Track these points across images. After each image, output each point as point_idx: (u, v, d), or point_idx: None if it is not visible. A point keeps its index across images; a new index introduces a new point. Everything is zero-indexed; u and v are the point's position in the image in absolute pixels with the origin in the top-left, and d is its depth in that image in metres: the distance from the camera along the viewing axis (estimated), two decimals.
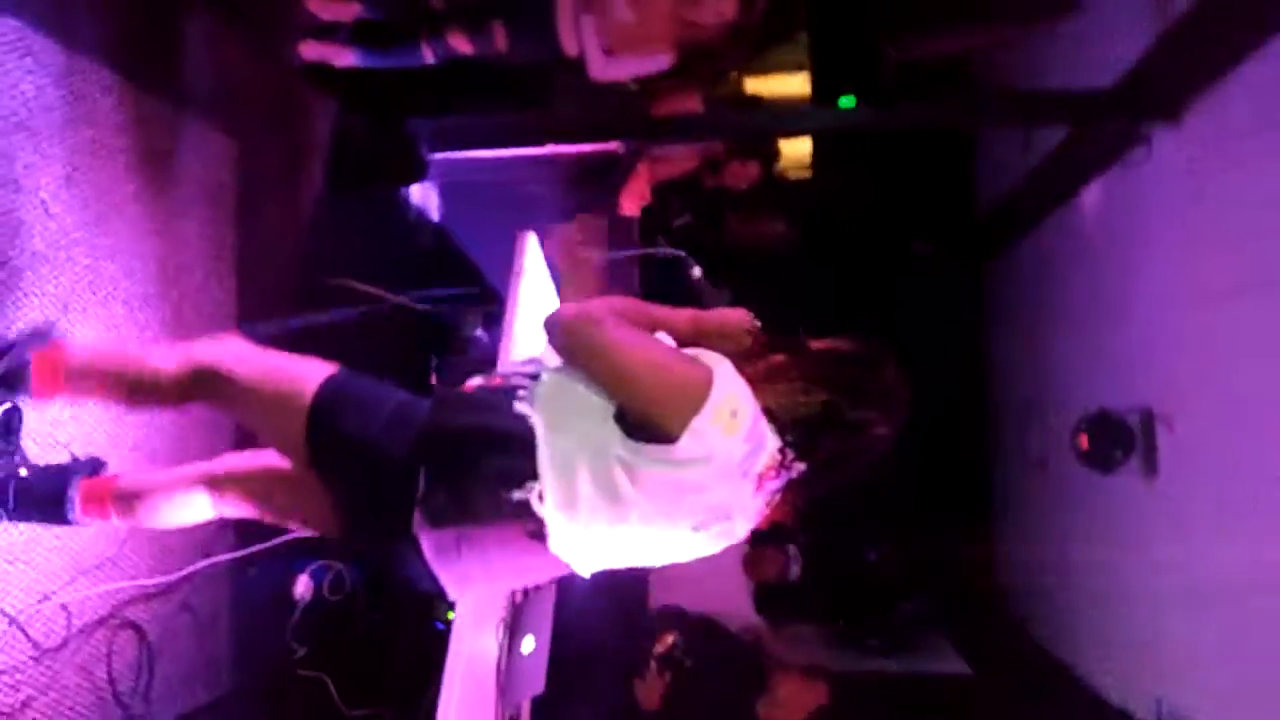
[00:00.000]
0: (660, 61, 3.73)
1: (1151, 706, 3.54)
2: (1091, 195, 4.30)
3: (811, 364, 1.74)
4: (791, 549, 4.73)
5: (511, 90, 4.04)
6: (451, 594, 1.75)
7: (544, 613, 2.75)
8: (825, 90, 5.78)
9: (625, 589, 3.96)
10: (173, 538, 2.63)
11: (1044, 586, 4.98)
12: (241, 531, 2.77)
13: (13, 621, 2.12)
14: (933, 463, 5.43)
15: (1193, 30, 3.06)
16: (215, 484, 1.96)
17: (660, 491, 1.64)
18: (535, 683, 2.74)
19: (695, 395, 1.60)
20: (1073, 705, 4.25)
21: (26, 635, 2.14)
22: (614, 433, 1.63)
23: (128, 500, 2.02)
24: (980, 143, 6.10)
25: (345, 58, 3.77)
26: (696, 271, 2.24)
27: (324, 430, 1.72)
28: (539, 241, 3.02)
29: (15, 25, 2.14)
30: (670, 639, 3.99)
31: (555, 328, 1.70)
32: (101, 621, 2.37)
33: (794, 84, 6.66)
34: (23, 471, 2.07)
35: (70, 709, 2.26)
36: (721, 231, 5.29)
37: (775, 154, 6.18)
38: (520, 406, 1.69)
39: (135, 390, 1.90)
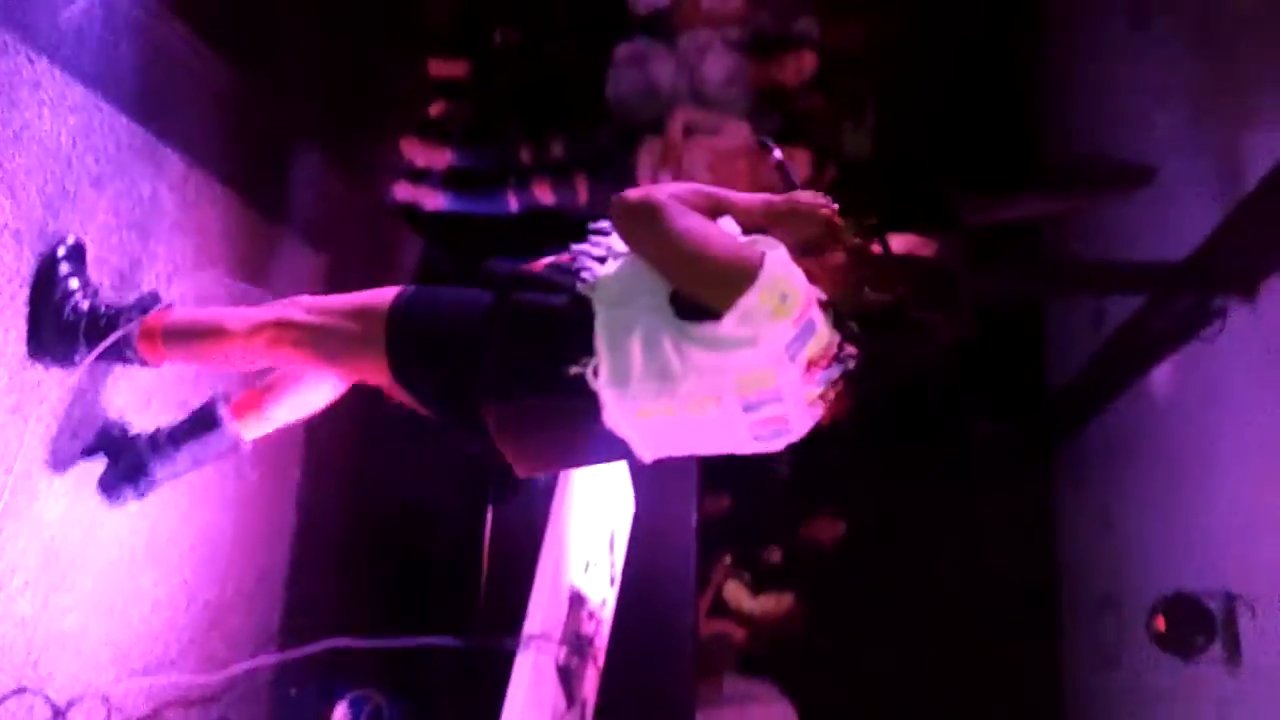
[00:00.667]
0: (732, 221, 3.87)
1: None
2: (1165, 372, 4.25)
3: (885, 265, 1.81)
4: None
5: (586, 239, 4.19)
6: (518, 470, 1.88)
7: None
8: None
9: None
10: (219, 646, 2.61)
11: None
12: (286, 639, 2.73)
13: (57, 712, 2.09)
14: (998, 669, 5.21)
15: (1265, 205, 3.09)
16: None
17: (707, 369, 1.70)
18: None
19: (743, 276, 1.66)
20: None
21: None
22: (667, 312, 1.70)
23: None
24: (1049, 317, 6.11)
25: (435, 201, 3.98)
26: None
27: (401, 334, 1.86)
28: None
29: (143, 133, 2.31)
30: None
31: (616, 209, 1.77)
32: None
33: None
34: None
35: None
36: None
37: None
38: (582, 287, 1.77)
39: (225, 352, 2.01)
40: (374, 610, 2.98)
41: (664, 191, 1.78)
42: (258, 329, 1.96)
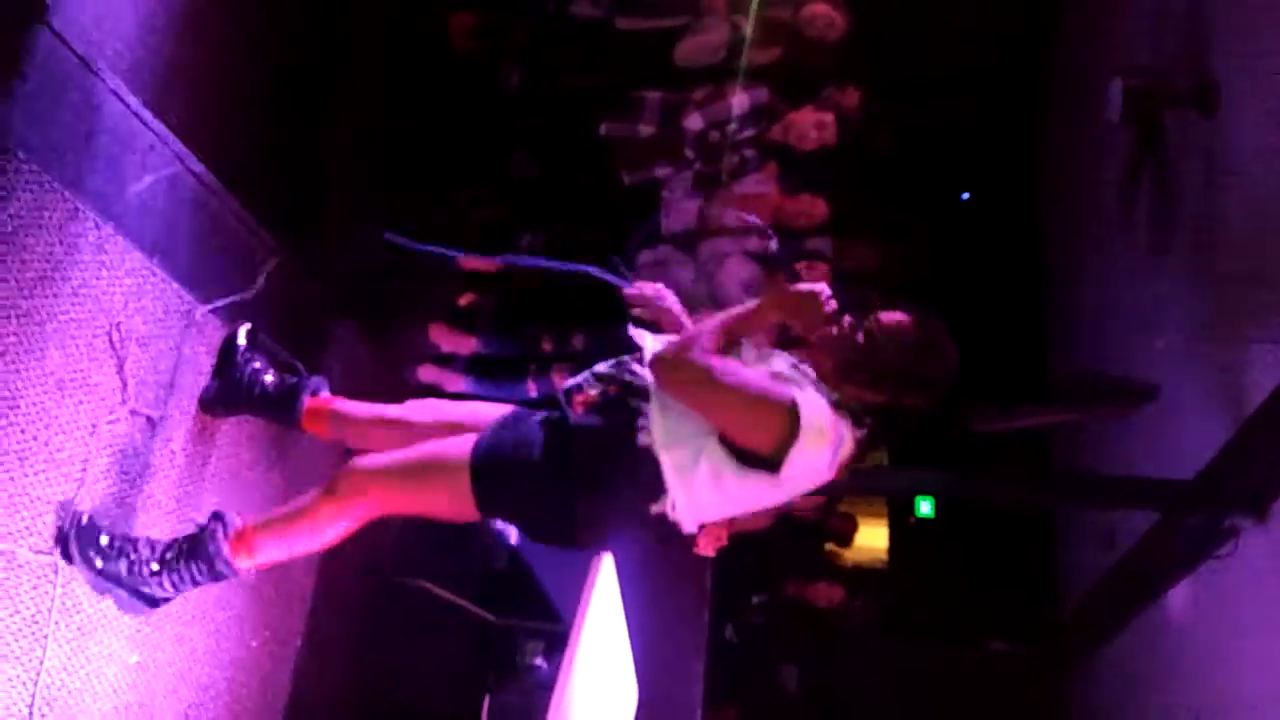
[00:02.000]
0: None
1: None
2: (1179, 594, 4.18)
3: (877, 355, 2.10)
4: None
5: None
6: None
7: None
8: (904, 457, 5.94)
9: None
10: None
11: None
12: None
13: None
14: None
15: (1268, 426, 3.14)
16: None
17: (768, 494, 2.04)
18: None
19: (788, 429, 1.96)
20: None
21: None
22: (722, 452, 1.99)
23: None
24: (1061, 539, 6.07)
25: (456, 385, 4.09)
26: None
27: (488, 491, 2.09)
28: None
29: (190, 298, 2.44)
30: None
31: (658, 368, 2.07)
32: None
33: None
34: (267, 378, 2.49)
35: None
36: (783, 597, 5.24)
37: (849, 538, 6.23)
38: (642, 437, 2.03)
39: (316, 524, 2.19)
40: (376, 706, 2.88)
41: (696, 345, 2.05)
42: (337, 487, 2.16)
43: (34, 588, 1.96)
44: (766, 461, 1.97)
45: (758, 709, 5.28)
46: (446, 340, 4.15)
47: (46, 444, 2.00)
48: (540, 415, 2.17)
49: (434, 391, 4.02)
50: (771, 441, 1.95)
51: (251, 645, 2.64)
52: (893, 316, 2.13)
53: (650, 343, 2.20)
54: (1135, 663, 4.75)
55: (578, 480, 2.06)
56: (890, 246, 4.95)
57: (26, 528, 1.95)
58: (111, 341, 2.16)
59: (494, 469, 2.09)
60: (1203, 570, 3.89)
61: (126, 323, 2.23)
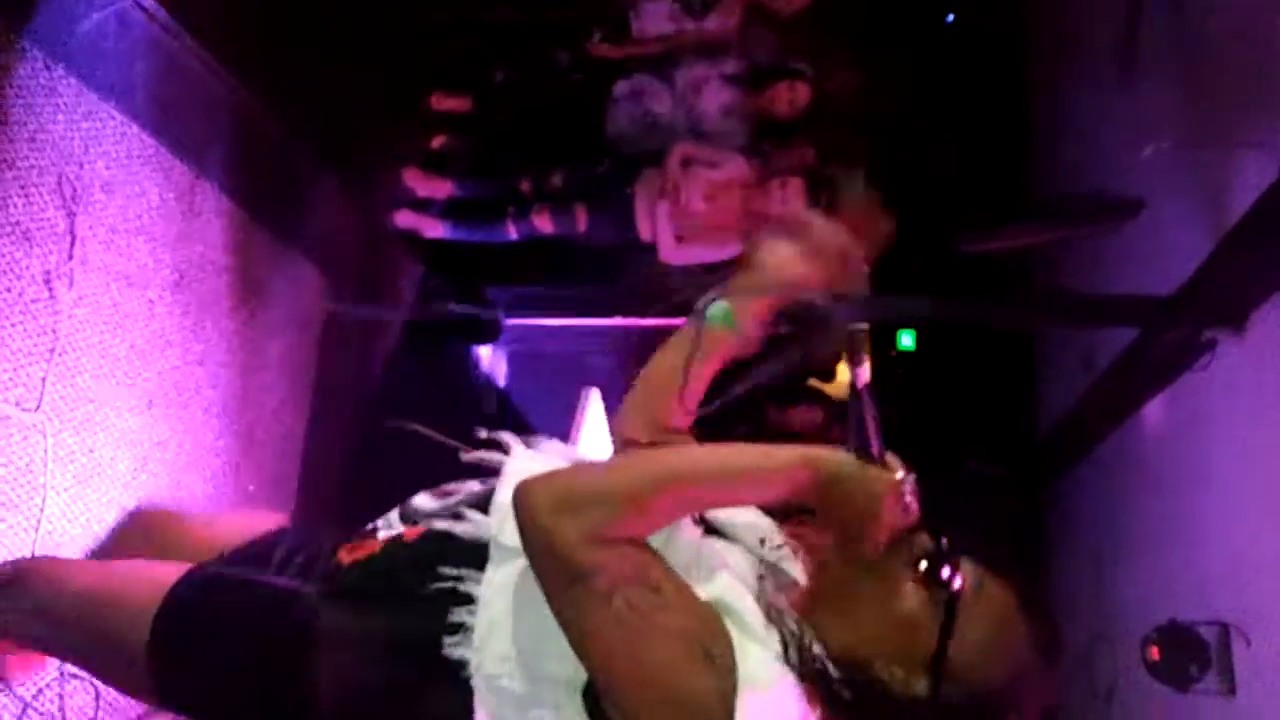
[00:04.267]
0: (728, 250, 3.93)
1: None
2: (1155, 409, 4.28)
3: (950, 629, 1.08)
4: None
5: (585, 266, 4.25)
6: None
7: None
8: (886, 285, 5.97)
9: None
10: None
11: None
12: None
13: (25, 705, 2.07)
14: None
15: (1250, 237, 3.14)
16: None
17: None
18: None
19: None
20: None
21: None
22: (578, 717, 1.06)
23: None
24: (1040, 363, 6.16)
25: (435, 229, 4.03)
26: None
27: (173, 673, 1.26)
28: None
29: (154, 144, 2.36)
30: None
31: (521, 513, 1.06)
32: None
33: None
34: None
35: None
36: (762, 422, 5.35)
37: (832, 372, 6.31)
38: (451, 646, 1.11)
39: None
40: None
41: (615, 523, 1.05)
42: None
43: (24, 439, 1.97)
44: None
45: None
46: (421, 185, 4.07)
47: (20, 295, 1.97)
48: (282, 578, 1.27)
49: (412, 238, 3.96)
50: None
51: (249, 490, 2.68)
52: (1000, 588, 1.14)
53: (516, 462, 1.26)
54: (1110, 478, 4.91)
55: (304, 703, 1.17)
56: (873, 71, 4.83)
57: (8, 379, 1.94)
58: (61, 189, 2.09)
59: (185, 644, 1.26)
60: (1179, 385, 3.97)
61: (89, 168, 2.16)
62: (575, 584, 1.01)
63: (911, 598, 1.10)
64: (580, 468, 1.14)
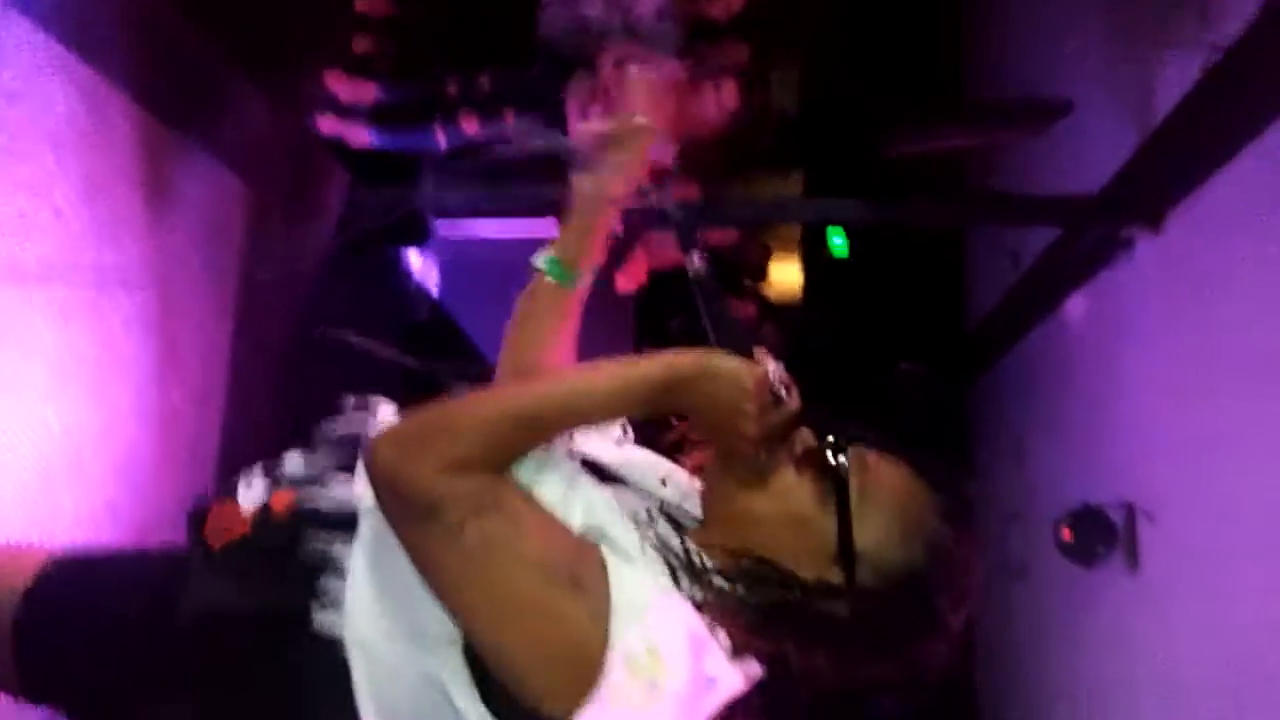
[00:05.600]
0: (663, 154, 3.90)
1: None
2: (1076, 304, 4.41)
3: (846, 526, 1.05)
4: None
5: (517, 172, 4.20)
6: None
7: None
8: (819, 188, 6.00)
9: None
10: None
11: (1024, 691, 4.88)
12: None
13: None
14: None
15: (1172, 138, 3.21)
16: None
17: None
18: None
19: (585, 666, 0.91)
20: None
21: None
22: (464, 678, 0.97)
23: None
24: (969, 265, 6.28)
25: (361, 137, 3.93)
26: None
27: (38, 657, 1.16)
28: None
29: (60, 50, 2.26)
30: None
31: (375, 468, 0.99)
32: None
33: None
34: None
35: None
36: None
37: (763, 270, 6.37)
38: (320, 615, 1.03)
39: None
40: None
41: (475, 418, 1.00)
42: None
43: None
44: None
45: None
46: (345, 89, 3.94)
47: None
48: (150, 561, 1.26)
49: (339, 146, 3.86)
50: (551, 690, 0.92)
51: (174, 402, 2.66)
52: (891, 465, 1.11)
53: (380, 412, 1.21)
54: (1033, 370, 5.07)
55: (175, 685, 1.10)
56: None
57: None
58: None
59: (56, 618, 1.16)
60: (1097, 281, 4.09)
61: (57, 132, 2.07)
62: (424, 520, 0.95)
63: (802, 493, 1.07)
64: (428, 406, 1.02)
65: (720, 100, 3.72)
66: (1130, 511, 3.50)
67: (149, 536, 2.60)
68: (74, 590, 1.19)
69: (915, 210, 3.78)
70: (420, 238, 3.91)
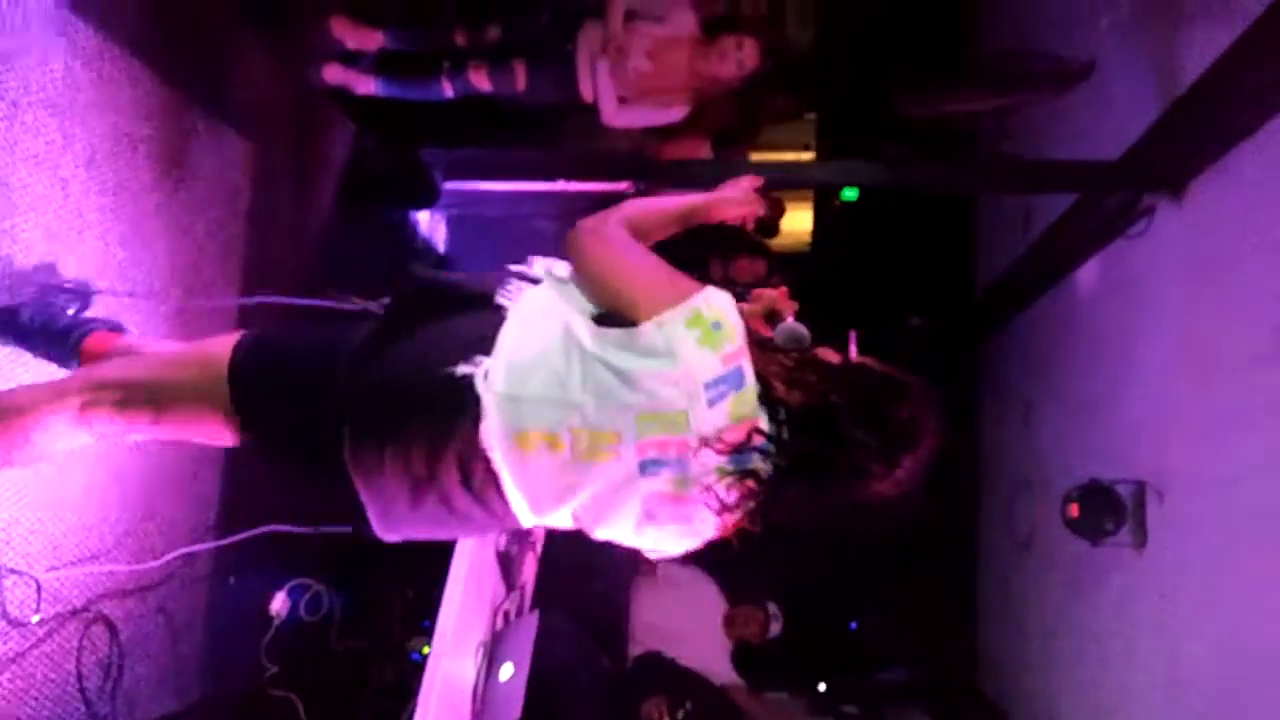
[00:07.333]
0: (673, 114, 3.80)
1: None
2: (1090, 271, 4.35)
3: (835, 368, 1.52)
4: (772, 607, 4.67)
5: (525, 127, 4.10)
6: (382, 533, 1.57)
7: (525, 640, 2.70)
8: (832, 151, 5.91)
9: (605, 630, 3.89)
10: (155, 537, 2.60)
11: (1026, 665, 4.91)
12: (223, 530, 2.73)
13: None
14: (919, 539, 5.43)
15: (1197, 106, 3.13)
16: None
17: (611, 390, 1.45)
18: (511, 711, 2.68)
19: (673, 294, 1.47)
20: None
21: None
22: (586, 326, 1.49)
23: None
24: (980, 221, 6.19)
25: (366, 86, 3.83)
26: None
27: (251, 376, 1.58)
28: None
29: (54, 7, 2.18)
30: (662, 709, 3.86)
31: (569, 238, 1.57)
32: (75, 613, 2.31)
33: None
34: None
35: (35, 698, 2.19)
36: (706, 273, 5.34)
37: (776, 228, 6.28)
38: (502, 296, 1.55)
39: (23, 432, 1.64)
40: (312, 501, 2.98)
41: (615, 218, 1.58)
42: (61, 396, 1.64)
43: None
44: (629, 320, 1.49)
45: None
46: (351, 35, 3.84)
47: None
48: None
49: (343, 95, 3.78)
50: (646, 301, 1.48)
51: None
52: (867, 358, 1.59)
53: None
54: (1045, 334, 5.03)
55: (375, 328, 1.58)
56: None
57: None
58: None
59: (265, 352, 1.61)
60: (1114, 249, 4.03)
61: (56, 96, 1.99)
62: (597, 237, 1.54)
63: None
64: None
65: (741, 59, 3.61)
66: (1140, 489, 3.48)
67: (161, 510, 2.59)
68: (273, 344, 1.63)
69: (930, 174, 3.70)
70: (429, 201, 3.83)
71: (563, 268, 1.60)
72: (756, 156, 5.96)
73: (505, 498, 1.51)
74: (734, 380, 1.45)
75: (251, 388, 1.57)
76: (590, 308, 1.53)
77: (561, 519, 1.56)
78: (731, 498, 1.44)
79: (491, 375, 1.47)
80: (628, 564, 3.94)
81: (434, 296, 1.61)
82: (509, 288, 1.57)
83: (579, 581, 3.37)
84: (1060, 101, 3.87)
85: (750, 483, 1.44)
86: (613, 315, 1.50)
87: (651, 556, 1.61)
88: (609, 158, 4.08)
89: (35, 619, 2.17)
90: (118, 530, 2.44)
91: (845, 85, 5.87)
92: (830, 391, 1.47)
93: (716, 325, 1.45)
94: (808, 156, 6.94)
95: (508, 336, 1.49)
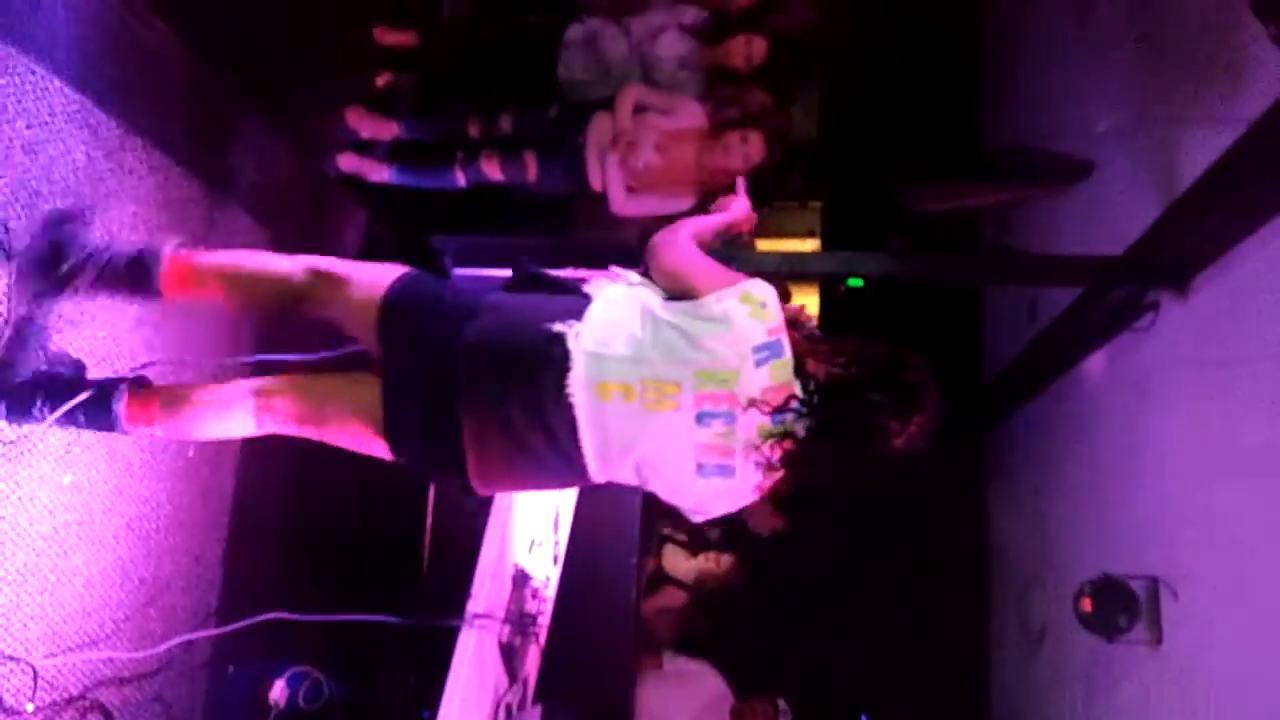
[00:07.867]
0: (680, 204, 3.85)
1: None
2: (1096, 363, 4.36)
3: (848, 346, 1.89)
4: (782, 703, 4.57)
5: (534, 215, 4.16)
6: (479, 486, 1.89)
7: None
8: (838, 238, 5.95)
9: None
10: (155, 623, 2.57)
11: None
12: (224, 617, 2.69)
13: None
14: (928, 642, 5.36)
15: (1199, 203, 3.17)
16: (264, 394, 1.99)
17: (676, 347, 1.82)
18: None
19: (729, 279, 1.88)
20: None
21: None
22: (657, 301, 1.89)
23: (174, 405, 2.00)
24: (986, 309, 6.23)
25: (380, 174, 3.91)
26: None
27: (393, 320, 1.91)
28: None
29: (79, 99, 2.24)
30: None
31: (649, 246, 1.98)
32: (71, 701, 2.27)
33: (805, 249, 6.87)
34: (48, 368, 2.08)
35: None
36: None
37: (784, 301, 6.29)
38: (589, 286, 1.94)
39: (253, 290, 2.10)
40: (315, 589, 2.94)
41: (683, 232, 1.99)
42: (299, 270, 2.03)
43: None
44: (693, 295, 1.88)
45: None
46: (365, 125, 3.93)
47: None
48: None
49: (357, 183, 3.85)
50: (707, 282, 1.88)
51: (189, 455, 2.62)
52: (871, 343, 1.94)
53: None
54: (1052, 425, 5.01)
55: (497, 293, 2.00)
56: (825, 10, 4.73)
57: None
58: None
59: (419, 285, 1.98)
60: (1120, 342, 4.04)
61: (9, 127, 2.04)
62: (666, 243, 1.96)
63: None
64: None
65: (747, 152, 3.68)
66: (1154, 585, 3.44)
67: (162, 595, 2.57)
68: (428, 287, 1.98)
69: (936, 267, 3.74)
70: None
71: (635, 275, 1.98)
72: (763, 245, 6.02)
73: (580, 445, 1.84)
74: (776, 349, 1.83)
75: (399, 317, 1.90)
76: (661, 295, 1.91)
77: (625, 471, 1.90)
78: (775, 455, 1.80)
79: (581, 335, 1.83)
80: (632, 655, 3.87)
81: (539, 280, 2.01)
82: (595, 282, 1.96)
83: (583, 673, 3.31)
84: (1061, 198, 3.94)
85: (789, 442, 1.79)
86: (680, 296, 1.88)
87: (696, 519, 1.98)
88: (617, 246, 4.12)
89: (30, 707, 2.13)
90: (118, 615, 2.42)
91: (850, 174, 5.96)
92: (850, 364, 1.83)
93: (763, 304, 1.85)
94: (813, 243, 7.01)
95: (595, 309, 1.87)
